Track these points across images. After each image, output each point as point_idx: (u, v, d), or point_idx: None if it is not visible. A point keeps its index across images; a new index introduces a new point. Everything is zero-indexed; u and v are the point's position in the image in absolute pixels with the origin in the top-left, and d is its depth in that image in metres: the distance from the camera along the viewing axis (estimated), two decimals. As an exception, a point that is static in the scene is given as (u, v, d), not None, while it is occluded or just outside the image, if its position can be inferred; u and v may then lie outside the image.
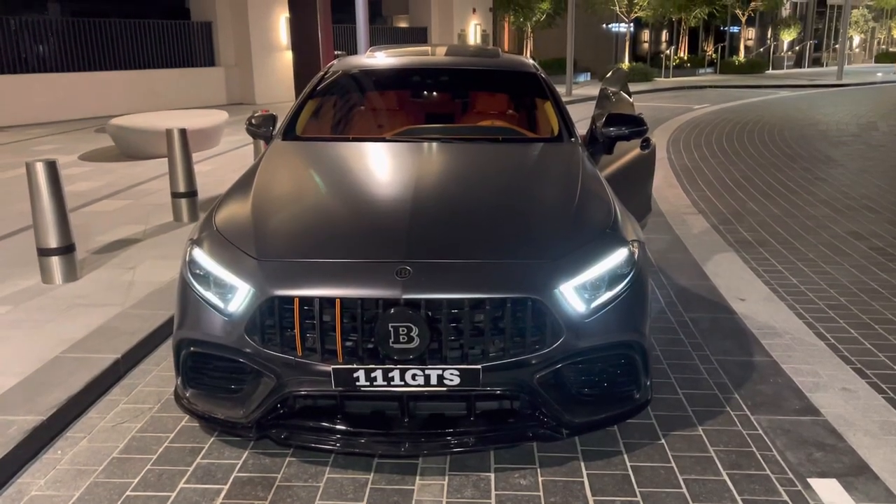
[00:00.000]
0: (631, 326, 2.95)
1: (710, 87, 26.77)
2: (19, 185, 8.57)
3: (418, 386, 2.75)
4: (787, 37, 39.35)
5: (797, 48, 42.41)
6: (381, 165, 3.92)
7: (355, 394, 2.82)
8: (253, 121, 4.56)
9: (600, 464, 2.97)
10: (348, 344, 2.74)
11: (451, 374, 2.73)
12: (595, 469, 2.94)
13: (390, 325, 2.67)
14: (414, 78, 5.01)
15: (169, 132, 6.71)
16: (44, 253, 4.93)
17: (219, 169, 9.61)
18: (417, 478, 2.89)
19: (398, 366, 2.72)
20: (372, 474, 2.91)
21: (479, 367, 2.72)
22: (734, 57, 36.50)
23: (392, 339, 2.68)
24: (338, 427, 2.86)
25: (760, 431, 3.20)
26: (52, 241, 4.91)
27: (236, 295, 2.85)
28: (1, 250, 5.78)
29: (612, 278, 2.94)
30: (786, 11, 41.30)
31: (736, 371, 3.76)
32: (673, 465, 2.96)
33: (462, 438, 2.83)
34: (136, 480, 2.87)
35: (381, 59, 5.07)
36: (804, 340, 4.15)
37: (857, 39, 46.55)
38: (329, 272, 2.82)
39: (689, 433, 3.20)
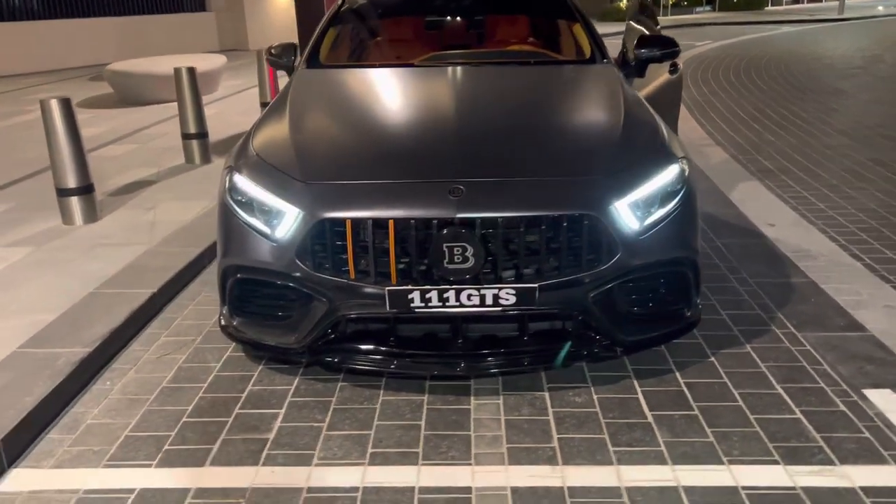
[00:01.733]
0: (684, 243, 2.91)
1: (711, 24, 26.45)
2: (20, 133, 8.43)
3: (473, 306, 2.71)
4: None
5: None
6: (415, 89, 3.83)
7: (408, 316, 2.79)
8: (273, 50, 4.44)
9: (653, 381, 2.97)
10: (402, 265, 2.70)
11: (507, 293, 2.68)
12: (648, 386, 2.94)
13: (445, 245, 2.61)
14: (436, 2, 4.85)
15: (178, 71, 6.55)
16: (63, 193, 4.84)
17: (223, 112, 9.44)
18: (472, 398, 2.88)
19: (453, 286, 2.68)
20: (426, 395, 2.90)
21: (535, 286, 2.68)
22: None
23: (447, 260, 2.62)
24: (392, 350, 2.85)
25: (809, 347, 3.20)
26: (71, 181, 4.82)
27: (283, 219, 2.78)
28: (16, 194, 5.69)
29: (665, 195, 2.89)
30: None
31: (776, 292, 3.75)
32: (726, 380, 2.96)
33: (517, 358, 2.82)
34: (189, 407, 2.86)
35: None
36: (840, 262, 4.14)
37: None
38: (380, 193, 2.75)
39: (737, 351, 3.19)
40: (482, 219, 2.65)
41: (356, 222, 2.68)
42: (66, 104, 4.73)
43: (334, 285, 2.74)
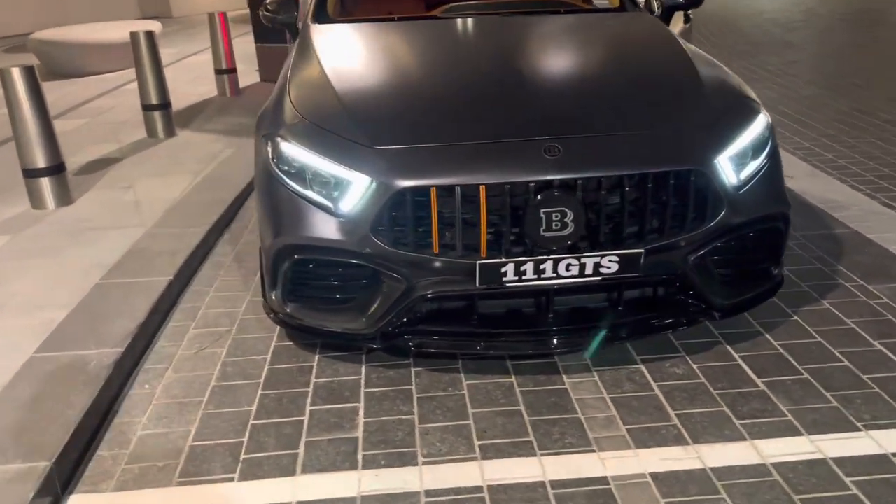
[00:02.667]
0: (779, 197, 2.74)
1: None
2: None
3: (571, 277, 2.47)
4: None
5: None
6: (459, 42, 3.48)
7: (491, 292, 2.53)
8: (269, 6, 4.01)
9: (747, 346, 2.80)
10: (490, 236, 2.43)
11: (610, 261, 2.45)
12: (744, 351, 2.77)
13: (542, 210, 2.35)
14: None
15: (135, 36, 5.97)
16: (31, 174, 4.31)
17: (170, 82, 8.77)
18: (564, 376, 2.65)
19: (550, 256, 2.42)
20: (514, 377, 2.65)
21: (641, 251, 2.45)
22: None
23: (543, 227, 2.37)
24: (476, 330, 2.59)
25: (887, 300, 3.10)
26: (40, 160, 4.29)
27: (350, 190, 2.45)
28: (-35, 178, 5.10)
29: (756, 146, 2.69)
30: None
31: (826, 244, 3.64)
32: (821, 340, 2.82)
33: (615, 331, 2.59)
34: (253, 408, 2.52)
35: None
36: (874, 210, 4.06)
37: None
38: (466, 156, 2.44)
39: (817, 308, 3.06)
40: (583, 179, 2.38)
41: (442, 190, 2.38)
42: (29, 73, 4.21)
43: (414, 261, 2.44)
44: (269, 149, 2.68)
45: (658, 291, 2.67)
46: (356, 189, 2.45)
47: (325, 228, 2.49)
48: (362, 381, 2.66)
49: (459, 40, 3.46)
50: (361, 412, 2.48)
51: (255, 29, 8.42)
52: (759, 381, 2.57)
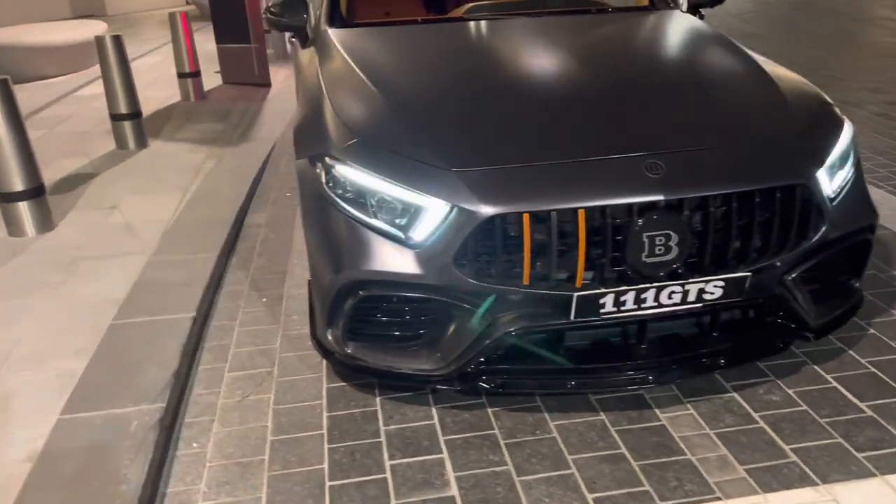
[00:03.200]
0: (869, 208, 2.59)
1: None
2: None
3: (672, 305, 2.27)
4: None
5: None
6: (502, 46, 3.18)
7: (579, 325, 2.31)
8: (273, 9, 3.68)
9: (834, 365, 2.65)
10: (588, 264, 2.19)
11: (715, 286, 2.27)
12: (834, 372, 2.61)
13: (645, 234, 2.15)
14: None
15: (100, 40, 5.51)
16: (8, 199, 3.89)
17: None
18: (657, 411, 2.44)
19: (654, 284, 2.22)
20: (603, 414, 2.44)
21: (747, 273, 2.28)
22: None
23: (646, 252, 2.17)
24: (565, 367, 2.36)
25: (957, 307, 3.01)
26: (18, 183, 3.87)
27: (424, 218, 2.21)
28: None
29: (844, 156, 2.54)
30: None
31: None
32: (909, 355, 2.71)
33: (713, 359, 2.39)
34: (325, 466, 2.24)
35: None
36: (903, 210, 4.01)
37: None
38: (560, 178, 2.21)
39: (890, 319, 2.94)
40: (692, 199, 2.19)
41: (535, 216, 2.15)
42: (3, 86, 3.78)
43: (500, 294, 2.21)
44: (322, 172, 2.40)
45: (748, 314, 2.51)
46: (432, 216, 2.20)
47: (398, 261, 2.24)
48: (437, 427, 2.40)
49: (505, 44, 3.19)
50: (448, 465, 2.23)
51: (216, 29, 7.98)
52: (863, 406, 2.42)
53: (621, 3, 4.00)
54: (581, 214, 2.13)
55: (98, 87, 7.13)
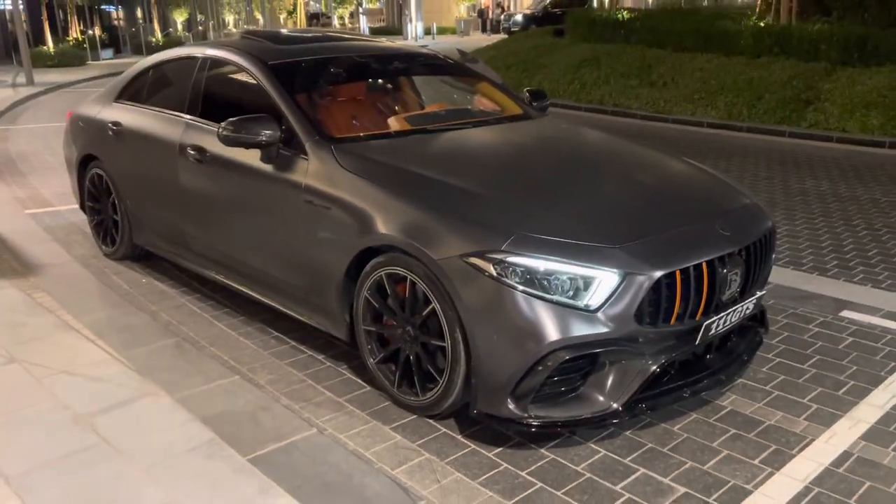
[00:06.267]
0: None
1: None
2: None
3: (736, 320, 3.07)
4: (180, 17, 37.44)
5: (201, 26, 39.05)
6: (516, 150, 3.82)
7: (699, 345, 2.98)
8: (231, 127, 3.46)
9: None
10: (705, 301, 2.88)
11: (750, 304, 3.12)
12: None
13: (729, 273, 2.92)
14: (368, 67, 4.46)
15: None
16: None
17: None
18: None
19: (730, 308, 2.98)
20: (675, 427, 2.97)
21: (763, 292, 3.25)
22: (151, 37, 32.45)
23: (728, 286, 2.94)
24: (682, 381, 2.98)
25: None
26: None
27: (598, 287, 2.68)
28: None
29: None
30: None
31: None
32: None
33: (744, 361, 3.29)
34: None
35: (311, 46, 4.37)
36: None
37: (231, 18, 46.07)
38: (685, 242, 2.90)
39: None
40: (748, 246, 3.04)
41: (684, 271, 2.80)
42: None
43: (657, 335, 2.80)
44: (489, 265, 2.70)
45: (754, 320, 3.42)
46: (604, 285, 2.68)
47: (586, 324, 2.68)
48: (589, 462, 2.54)
49: (511, 148, 3.87)
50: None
51: None
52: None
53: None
54: (704, 266, 2.85)
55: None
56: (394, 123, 3.95)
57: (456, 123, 3.98)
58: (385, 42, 5.01)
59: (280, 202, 3.52)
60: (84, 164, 5.20)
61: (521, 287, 2.67)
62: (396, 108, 4.36)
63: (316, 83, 4.09)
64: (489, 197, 3.05)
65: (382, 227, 3.03)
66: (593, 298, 2.68)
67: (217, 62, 4.21)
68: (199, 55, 4.35)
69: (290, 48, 4.24)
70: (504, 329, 2.71)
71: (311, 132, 3.50)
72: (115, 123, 4.78)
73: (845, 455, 2.81)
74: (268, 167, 3.57)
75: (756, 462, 2.79)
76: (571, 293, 2.68)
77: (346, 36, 5.09)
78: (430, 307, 2.89)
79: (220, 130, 3.52)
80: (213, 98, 4.19)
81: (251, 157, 3.66)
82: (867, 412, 3.11)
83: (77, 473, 2.60)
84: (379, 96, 4.44)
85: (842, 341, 3.78)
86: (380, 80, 4.52)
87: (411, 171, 3.25)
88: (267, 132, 3.45)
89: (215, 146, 3.85)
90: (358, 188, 3.19)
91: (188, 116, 4.22)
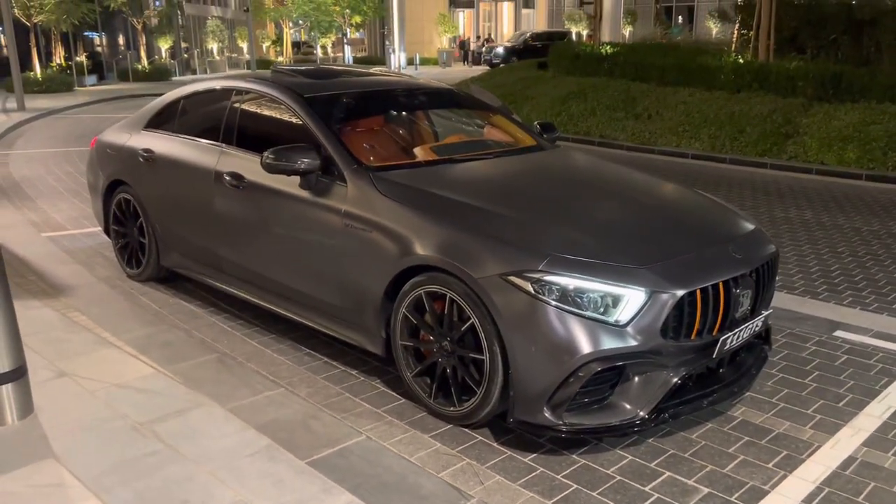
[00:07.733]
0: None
1: (151, 94, 20.47)
2: None
3: (746, 337, 3.33)
4: (164, 44, 37.00)
5: (186, 54, 39.88)
6: (523, 181, 4.01)
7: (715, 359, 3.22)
8: (273, 156, 3.69)
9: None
10: (715, 317, 3.12)
11: (759, 321, 3.36)
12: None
13: (741, 292, 3.18)
14: (397, 99, 4.75)
15: None
16: (-4, 382, 3.65)
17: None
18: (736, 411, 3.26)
19: (743, 325, 3.24)
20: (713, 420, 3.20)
21: (770, 311, 3.48)
22: (137, 64, 32.18)
23: (741, 305, 3.20)
24: (701, 391, 3.20)
25: None
26: (4, 363, 3.66)
27: (626, 304, 2.92)
28: None
29: None
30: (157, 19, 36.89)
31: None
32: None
33: (752, 375, 3.47)
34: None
35: (341, 80, 4.77)
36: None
37: (215, 47, 45.09)
38: (704, 263, 3.15)
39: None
40: (758, 268, 3.30)
41: (703, 290, 3.04)
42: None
43: (682, 348, 3.03)
44: (531, 284, 2.94)
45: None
46: (632, 302, 2.92)
47: (617, 338, 2.92)
48: (622, 464, 2.67)
49: (529, 177, 4.09)
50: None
51: None
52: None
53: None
54: (721, 285, 3.10)
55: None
56: (420, 153, 4.20)
57: (478, 154, 4.25)
58: (406, 77, 5.30)
59: (318, 226, 3.75)
60: (110, 190, 5.40)
61: (555, 304, 2.90)
62: (418, 139, 4.64)
63: (348, 115, 4.34)
64: (521, 220, 3.30)
65: (422, 248, 3.26)
66: (623, 314, 2.91)
67: (252, 95, 4.45)
68: (234, 88, 4.59)
69: (323, 82, 4.54)
70: (540, 343, 2.93)
71: (349, 161, 3.75)
72: (147, 150, 4.99)
73: (850, 459, 3.08)
74: (306, 193, 3.81)
75: (770, 466, 3.04)
76: (602, 309, 2.91)
77: (369, 71, 5.42)
78: (469, 323, 3.11)
79: (263, 158, 3.74)
80: (248, 128, 4.43)
81: (289, 185, 3.89)
82: (866, 421, 3.38)
83: (148, 475, 2.79)
84: (402, 127, 4.70)
85: (838, 358, 4.07)
86: (404, 113, 4.78)
87: (446, 196, 3.49)
88: (306, 160, 3.68)
89: (252, 173, 4.08)
90: (397, 213, 3.42)
91: (223, 145, 4.45)
